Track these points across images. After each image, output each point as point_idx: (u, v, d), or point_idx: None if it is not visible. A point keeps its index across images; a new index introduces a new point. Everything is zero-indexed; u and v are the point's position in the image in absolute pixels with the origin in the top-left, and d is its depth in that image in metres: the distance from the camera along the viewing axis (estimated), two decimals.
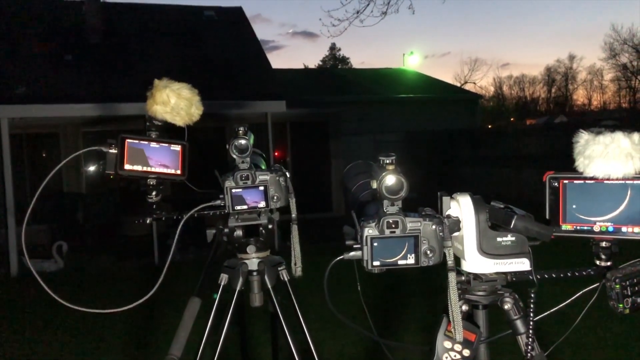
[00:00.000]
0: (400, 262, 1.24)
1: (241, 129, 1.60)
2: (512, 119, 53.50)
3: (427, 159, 17.07)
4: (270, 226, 1.65)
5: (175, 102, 1.63)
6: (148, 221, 1.67)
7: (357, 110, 17.38)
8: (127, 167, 1.61)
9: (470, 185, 15.05)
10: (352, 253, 1.25)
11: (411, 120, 18.55)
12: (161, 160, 1.65)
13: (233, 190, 1.60)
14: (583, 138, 1.37)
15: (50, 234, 9.54)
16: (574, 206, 1.44)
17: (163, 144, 1.66)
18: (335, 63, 49.24)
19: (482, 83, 57.66)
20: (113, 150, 1.60)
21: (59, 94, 11.12)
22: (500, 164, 14.73)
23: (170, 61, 13.38)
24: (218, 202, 1.63)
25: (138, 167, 1.62)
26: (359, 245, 1.25)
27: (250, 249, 1.66)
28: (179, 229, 1.59)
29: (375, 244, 1.22)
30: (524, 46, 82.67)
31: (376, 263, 1.23)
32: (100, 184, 11.34)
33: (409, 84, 22.86)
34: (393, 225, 1.21)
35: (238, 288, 1.66)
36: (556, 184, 1.46)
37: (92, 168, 11.60)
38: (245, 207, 1.61)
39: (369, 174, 1.57)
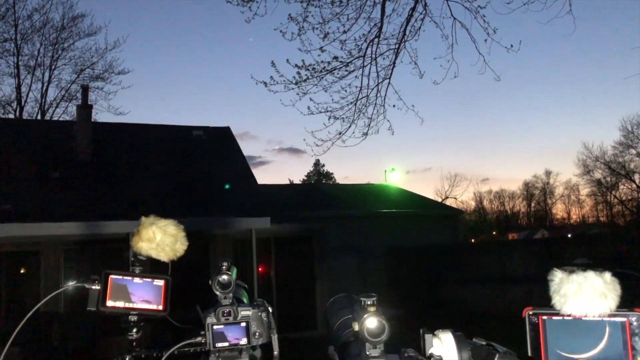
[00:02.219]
0: None
1: (224, 264, 1.62)
2: (494, 233, 54.07)
3: (411, 275, 16.97)
4: None
5: (160, 238, 1.67)
6: (127, 359, 1.63)
7: (341, 225, 17.50)
8: (109, 303, 1.60)
9: (455, 302, 14.86)
10: None
11: (394, 235, 18.68)
12: (143, 295, 1.65)
13: (214, 327, 1.59)
14: (557, 277, 1.41)
15: (21, 357, 9.10)
16: (555, 343, 1.45)
17: (146, 279, 1.67)
18: (319, 178, 50.34)
19: (463, 197, 58.95)
20: (96, 287, 1.61)
21: (43, 212, 11.14)
22: (485, 280, 14.67)
23: (158, 180, 13.61)
24: (199, 339, 1.60)
25: (120, 304, 1.62)
26: None
27: None
28: None
29: None
30: (502, 162, 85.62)
31: None
32: (79, 303, 11.02)
33: (391, 200, 23.29)
34: None
35: None
36: (536, 319, 1.48)
37: (71, 283, 11.33)
38: (226, 344, 1.59)
39: (352, 309, 1.58)
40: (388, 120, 10.47)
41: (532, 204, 63.32)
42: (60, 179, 13.17)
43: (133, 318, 1.64)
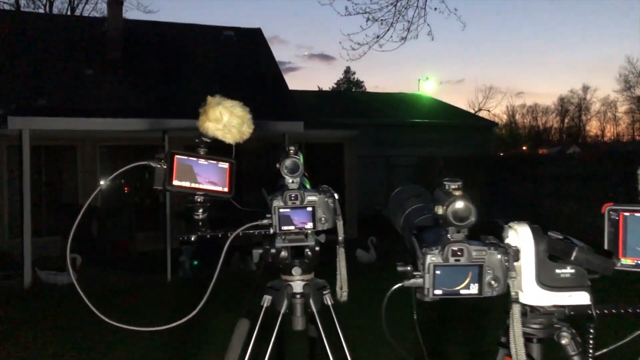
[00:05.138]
0: (462, 291, 1.20)
1: (292, 148, 1.59)
2: (524, 148, 53.36)
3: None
4: (317, 248, 1.62)
5: (227, 119, 1.62)
6: (193, 238, 1.64)
7: (372, 133, 17.41)
8: (175, 182, 1.59)
9: (485, 215, 14.92)
10: (412, 280, 1.21)
11: (425, 145, 18.54)
12: (209, 177, 1.63)
13: (281, 210, 1.58)
14: None
15: (63, 245, 9.54)
16: (635, 240, 1.40)
17: (211, 161, 1.65)
18: (349, 86, 49.55)
19: (496, 111, 57.62)
20: (162, 166, 1.59)
21: (77, 107, 11.24)
22: (517, 194, 14.59)
23: (190, 79, 13.52)
24: (265, 221, 1.60)
25: (186, 184, 1.60)
26: (419, 273, 1.21)
27: (296, 270, 1.62)
28: (225, 247, 1.56)
29: (437, 272, 1.18)
30: (538, 75, 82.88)
31: (438, 292, 1.19)
32: (115, 199, 11.37)
33: (424, 109, 22.92)
34: (458, 253, 1.18)
35: (282, 310, 1.63)
36: (616, 216, 1.42)
37: (102, 182, 11.65)
38: (292, 227, 1.59)
39: (422, 198, 1.54)
40: (428, 25, 10.08)
41: (566, 120, 61.78)
42: (92, 76, 13.17)
43: (199, 198, 1.63)
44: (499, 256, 1.20)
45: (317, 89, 44.76)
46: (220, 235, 1.64)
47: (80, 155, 11.32)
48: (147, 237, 10.68)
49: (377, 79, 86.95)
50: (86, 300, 1.52)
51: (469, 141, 20.04)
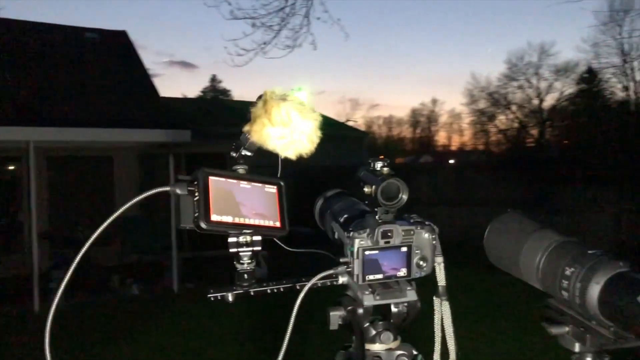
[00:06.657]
0: None
1: (385, 164, 1.12)
2: (381, 157, 55.97)
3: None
4: (418, 305, 1.14)
5: (296, 122, 1.10)
6: (230, 298, 1.09)
7: None
8: (214, 218, 1.03)
9: None
10: None
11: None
12: (255, 206, 1.10)
13: (366, 252, 1.10)
14: None
15: None
16: None
17: (255, 184, 1.12)
18: (215, 94, 48.37)
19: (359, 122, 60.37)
20: (190, 193, 1.03)
21: None
22: None
23: (48, 85, 12.11)
24: (341, 268, 1.11)
25: (227, 218, 1.04)
26: None
27: (386, 336, 1.13)
28: (296, 306, 1.04)
29: None
30: (393, 88, 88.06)
31: None
32: None
33: None
34: None
35: None
36: None
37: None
38: (380, 276, 1.11)
39: (548, 228, 1.16)
40: (312, 34, 9.85)
41: (418, 131, 66.29)
42: None
43: (245, 239, 1.08)
44: None
45: (181, 96, 43.09)
46: (269, 292, 1.12)
47: None
48: (6, 261, 9.25)
49: (240, 88, 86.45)
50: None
51: (342, 151, 20.29)
